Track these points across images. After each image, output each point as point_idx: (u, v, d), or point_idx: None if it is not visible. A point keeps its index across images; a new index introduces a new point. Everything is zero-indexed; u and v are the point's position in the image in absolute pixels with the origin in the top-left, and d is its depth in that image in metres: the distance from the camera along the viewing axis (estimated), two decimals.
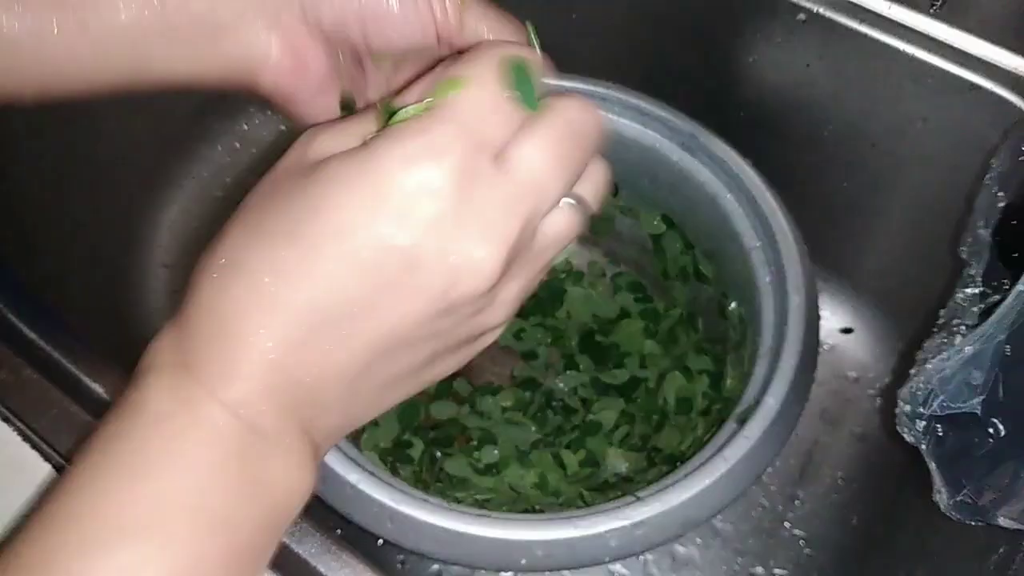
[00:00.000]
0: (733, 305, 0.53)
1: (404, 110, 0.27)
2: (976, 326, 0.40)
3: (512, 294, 0.29)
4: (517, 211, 0.26)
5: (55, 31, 0.32)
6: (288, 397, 0.27)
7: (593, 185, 0.29)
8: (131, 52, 0.33)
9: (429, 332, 0.28)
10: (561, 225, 0.29)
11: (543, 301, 0.61)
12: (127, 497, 0.25)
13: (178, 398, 0.26)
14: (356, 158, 0.26)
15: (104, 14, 0.32)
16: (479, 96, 0.26)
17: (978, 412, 0.39)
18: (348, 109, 0.37)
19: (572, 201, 0.28)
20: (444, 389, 0.58)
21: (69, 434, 0.40)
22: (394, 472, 0.49)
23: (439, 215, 0.25)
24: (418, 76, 0.29)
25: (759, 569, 0.58)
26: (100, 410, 0.41)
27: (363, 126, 0.28)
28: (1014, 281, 0.40)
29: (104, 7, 0.32)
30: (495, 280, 0.26)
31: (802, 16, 0.55)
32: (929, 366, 0.40)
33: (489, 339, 0.32)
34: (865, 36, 0.53)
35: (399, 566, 0.58)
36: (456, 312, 0.27)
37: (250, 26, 0.33)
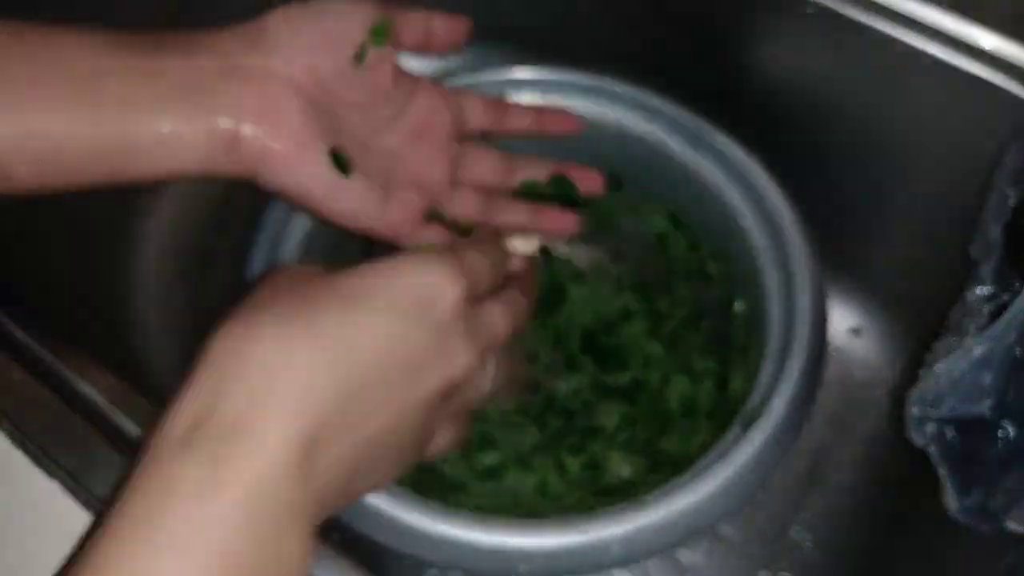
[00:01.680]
0: (739, 305, 0.53)
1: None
2: (986, 327, 0.40)
3: (483, 386, 0.40)
4: (482, 339, 0.37)
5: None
6: (310, 474, 0.30)
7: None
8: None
9: (426, 413, 0.35)
10: (490, 374, 0.40)
11: (544, 301, 0.61)
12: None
13: (208, 476, 0.28)
14: (384, 267, 0.34)
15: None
16: (482, 259, 0.38)
17: (988, 415, 0.39)
18: (339, 163, 0.42)
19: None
20: None
21: (59, 436, 0.40)
22: None
23: (443, 325, 0.34)
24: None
25: (765, 574, 0.58)
26: (90, 411, 0.41)
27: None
28: None
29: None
30: (471, 376, 0.36)
31: (810, 9, 0.54)
32: (939, 368, 0.40)
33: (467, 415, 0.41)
34: (874, 30, 0.53)
35: (397, 572, 0.57)
36: (444, 398, 0.36)
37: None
